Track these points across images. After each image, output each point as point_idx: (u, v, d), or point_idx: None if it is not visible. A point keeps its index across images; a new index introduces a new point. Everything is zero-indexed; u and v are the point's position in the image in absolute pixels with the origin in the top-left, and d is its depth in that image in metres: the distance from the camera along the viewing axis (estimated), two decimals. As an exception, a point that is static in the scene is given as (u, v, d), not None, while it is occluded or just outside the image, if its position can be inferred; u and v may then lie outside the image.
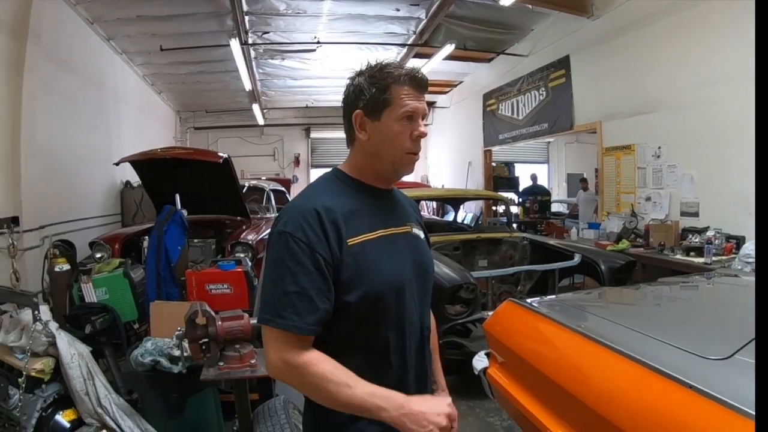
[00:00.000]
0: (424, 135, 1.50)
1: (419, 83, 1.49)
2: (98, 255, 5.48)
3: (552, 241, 6.39)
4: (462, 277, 4.49)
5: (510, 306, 2.82)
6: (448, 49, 9.08)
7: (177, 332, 2.97)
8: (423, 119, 1.51)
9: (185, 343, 2.93)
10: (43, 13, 5.85)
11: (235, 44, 8.21)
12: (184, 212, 5.00)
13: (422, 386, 1.62)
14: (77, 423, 3.21)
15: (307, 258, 1.37)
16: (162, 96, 13.23)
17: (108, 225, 8.44)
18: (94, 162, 8.07)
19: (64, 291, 4.54)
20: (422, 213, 5.15)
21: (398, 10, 8.03)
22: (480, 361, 2.87)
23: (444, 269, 4.56)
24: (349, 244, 1.43)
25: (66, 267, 4.64)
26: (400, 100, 1.46)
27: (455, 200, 9.36)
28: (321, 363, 1.36)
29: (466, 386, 4.20)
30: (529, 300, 2.83)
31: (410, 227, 1.64)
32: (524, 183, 13.18)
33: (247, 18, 8.03)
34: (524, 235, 6.69)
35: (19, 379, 3.11)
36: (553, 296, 3.72)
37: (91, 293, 4.35)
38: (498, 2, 7.32)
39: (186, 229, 4.96)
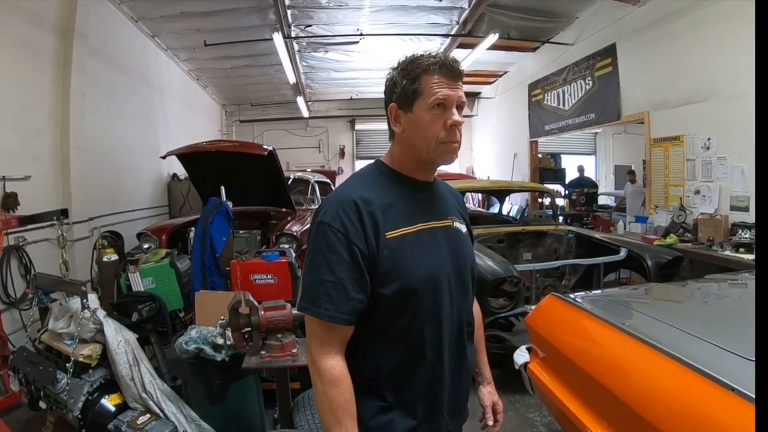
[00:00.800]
0: (457, 124, 1.45)
1: (450, 71, 1.45)
2: (146, 245, 5.63)
3: (598, 235, 6.26)
4: (505, 270, 4.44)
5: (552, 300, 2.78)
6: (492, 38, 8.90)
7: (221, 321, 3.03)
8: (459, 108, 1.47)
9: (228, 332, 3.00)
10: (89, 12, 6.03)
11: (278, 38, 8.25)
12: (230, 204, 5.08)
13: (457, 384, 1.60)
14: (122, 407, 3.29)
15: (343, 248, 1.38)
16: (207, 90, 13.45)
17: (155, 216, 8.67)
18: (141, 155, 8.30)
19: (111, 280, 4.68)
20: (467, 205, 5.06)
21: (440, 0, 7.95)
22: (521, 356, 2.85)
23: (487, 262, 4.52)
24: (387, 237, 1.42)
25: (114, 257, 4.78)
26: (430, 89, 1.43)
27: (500, 192, 9.25)
28: (334, 385, 1.38)
29: (507, 381, 4.16)
30: (572, 295, 2.78)
31: (452, 221, 1.61)
32: (571, 175, 12.90)
33: (289, 11, 8.08)
34: (570, 228, 6.56)
35: (67, 364, 3.22)
36: (598, 291, 3.64)
37: (138, 282, 4.47)
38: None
39: (231, 220, 5.04)
